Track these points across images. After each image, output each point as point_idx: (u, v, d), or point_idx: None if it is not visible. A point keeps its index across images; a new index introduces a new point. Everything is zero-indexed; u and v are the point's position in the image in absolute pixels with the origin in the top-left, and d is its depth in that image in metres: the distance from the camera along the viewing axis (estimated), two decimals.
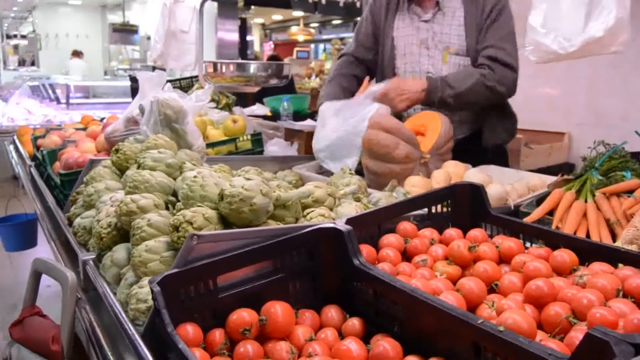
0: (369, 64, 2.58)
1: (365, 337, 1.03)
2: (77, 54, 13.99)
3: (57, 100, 7.18)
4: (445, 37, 2.31)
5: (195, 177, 1.31)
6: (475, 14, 2.26)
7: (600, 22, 2.68)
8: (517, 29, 2.29)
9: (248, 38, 11.36)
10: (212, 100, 3.03)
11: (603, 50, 2.76)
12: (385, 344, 0.95)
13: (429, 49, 2.34)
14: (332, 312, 1.10)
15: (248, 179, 1.23)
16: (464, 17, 2.28)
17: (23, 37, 14.92)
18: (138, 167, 1.56)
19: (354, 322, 1.07)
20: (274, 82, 3.03)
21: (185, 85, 3.86)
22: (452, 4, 2.31)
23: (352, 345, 0.96)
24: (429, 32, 2.33)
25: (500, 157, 2.47)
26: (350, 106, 2.17)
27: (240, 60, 4.39)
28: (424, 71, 2.36)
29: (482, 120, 2.38)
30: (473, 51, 2.28)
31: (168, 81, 3.59)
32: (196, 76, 3.77)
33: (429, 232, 1.32)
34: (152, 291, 0.95)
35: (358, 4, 6.77)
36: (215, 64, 2.97)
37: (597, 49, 2.77)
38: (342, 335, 1.05)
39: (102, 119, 3.39)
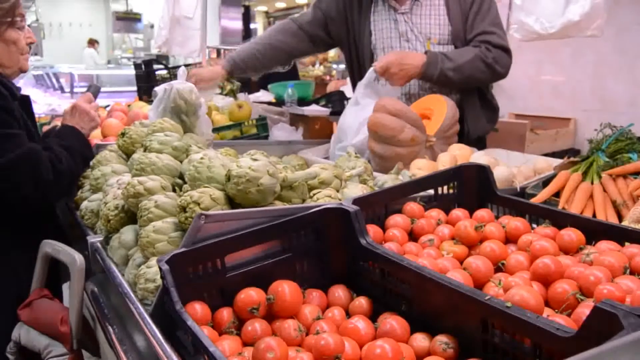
0: (314, 39, 2.56)
1: (373, 317, 1.03)
2: (92, 43, 14.07)
3: (62, 89, 7.17)
4: (425, 27, 2.30)
5: (201, 158, 1.31)
6: (457, 2, 2.26)
7: (578, 6, 2.76)
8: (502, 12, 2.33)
9: (252, 26, 11.33)
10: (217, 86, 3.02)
11: (580, 33, 2.84)
12: (392, 321, 0.95)
13: (409, 41, 2.33)
14: (339, 292, 1.11)
15: (255, 160, 1.23)
16: (445, 6, 2.28)
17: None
18: (144, 150, 1.56)
19: (361, 301, 1.07)
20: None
21: None
22: None
23: (360, 323, 0.96)
24: (408, 24, 2.32)
25: (480, 147, 2.45)
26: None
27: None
28: None
29: (463, 109, 2.31)
30: (458, 40, 2.28)
31: (170, 68, 3.60)
32: (200, 62, 3.76)
33: (435, 213, 1.32)
34: (161, 269, 0.95)
35: None
36: (218, 50, 2.97)
37: (574, 32, 2.85)
38: (349, 315, 1.06)
39: (106, 107, 3.39)
